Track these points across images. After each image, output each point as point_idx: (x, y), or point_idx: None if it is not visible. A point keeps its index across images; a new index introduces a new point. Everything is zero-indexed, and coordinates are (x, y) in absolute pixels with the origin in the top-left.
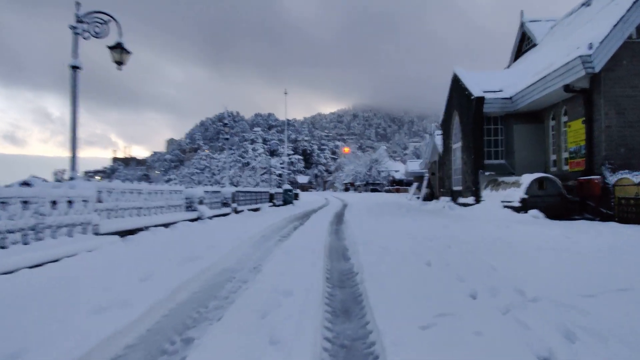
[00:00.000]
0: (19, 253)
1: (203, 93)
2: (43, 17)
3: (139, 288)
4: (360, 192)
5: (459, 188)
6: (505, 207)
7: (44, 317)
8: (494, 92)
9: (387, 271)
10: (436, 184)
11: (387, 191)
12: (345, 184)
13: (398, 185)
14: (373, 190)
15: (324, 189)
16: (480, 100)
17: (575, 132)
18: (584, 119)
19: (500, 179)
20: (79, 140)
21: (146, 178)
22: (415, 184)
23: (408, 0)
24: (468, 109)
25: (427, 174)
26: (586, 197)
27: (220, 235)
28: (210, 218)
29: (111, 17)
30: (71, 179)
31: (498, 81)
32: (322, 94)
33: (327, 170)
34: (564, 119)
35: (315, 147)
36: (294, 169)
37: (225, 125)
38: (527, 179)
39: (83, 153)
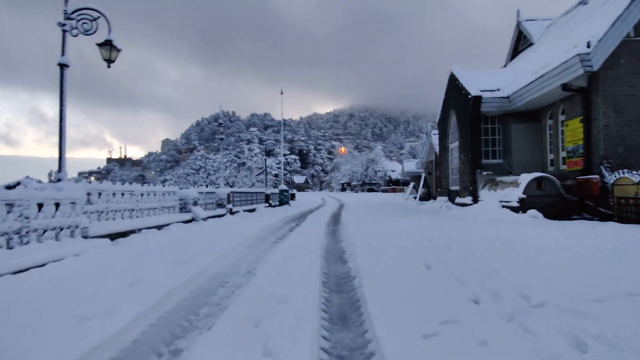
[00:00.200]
0: (2, 258)
1: (199, 93)
2: (38, 17)
3: (125, 295)
4: (356, 192)
5: (457, 188)
6: (504, 207)
7: (20, 330)
8: (492, 91)
9: (386, 274)
10: (433, 184)
11: (384, 191)
12: (342, 184)
13: (394, 185)
14: (369, 190)
15: (321, 189)
16: (478, 99)
17: (573, 131)
18: (581, 118)
19: (498, 178)
20: (74, 140)
21: (142, 179)
22: (411, 184)
23: (405, 0)
24: (465, 108)
25: (423, 174)
26: (585, 197)
27: (214, 237)
28: (204, 219)
29: (100, 13)
30: (58, 180)
31: (495, 80)
32: (318, 94)
33: (323, 170)
34: (562, 118)
35: (311, 147)
36: (291, 169)
37: (220, 125)
38: (525, 178)
39: (78, 153)
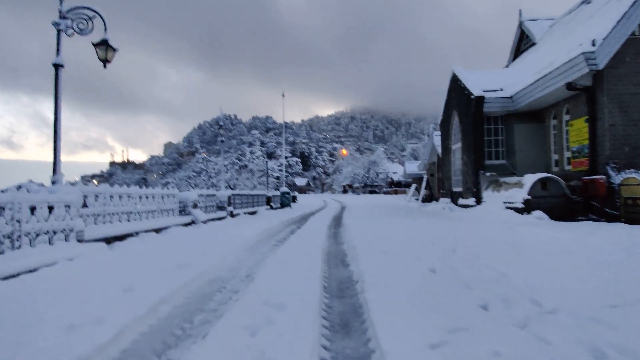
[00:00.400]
0: None
1: (201, 96)
2: (38, 19)
3: (118, 301)
4: (358, 194)
5: (459, 189)
6: (508, 208)
7: (4, 339)
8: (494, 91)
9: (389, 279)
10: (435, 186)
11: (386, 193)
12: (344, 186)
13: (396, 187)
14: (371, 192)
15: (322, 191)
16: (480, 99)
17: (577, 131)
18: (586, 117)
19: (502, 179)
20: (76, 144)
21: (144, 182)
22: (413, 186)
23: (406, 3)
24: (468, 109)
25: (425, 176)
26: (590, 198)
27: (213, 240)
28: (204, 222)
29: (96, 12)
30: (53, 183)
31: (498, 80)
32: (320, 97)
33: (325, 173)
34: (566, 117)
35: (313, 149)
36: (292, 171)
37: (220, 127)
38: (529, 179)
39: (80, 157)
